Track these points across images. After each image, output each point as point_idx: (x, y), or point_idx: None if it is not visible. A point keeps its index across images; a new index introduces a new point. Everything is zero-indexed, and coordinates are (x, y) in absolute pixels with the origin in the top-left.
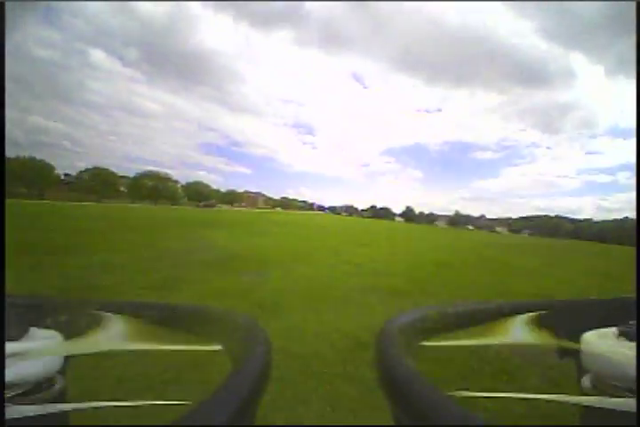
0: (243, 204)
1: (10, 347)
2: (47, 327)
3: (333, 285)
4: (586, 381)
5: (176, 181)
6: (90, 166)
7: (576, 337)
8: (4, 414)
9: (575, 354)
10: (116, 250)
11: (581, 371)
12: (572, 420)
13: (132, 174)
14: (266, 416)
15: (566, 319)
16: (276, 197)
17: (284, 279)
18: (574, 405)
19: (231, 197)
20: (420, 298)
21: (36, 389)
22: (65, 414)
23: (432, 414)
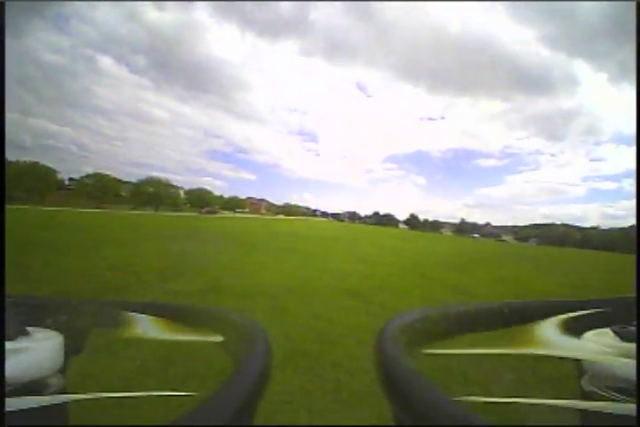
0: (246, 210)
1: (10, 346)
2: (47, 327)
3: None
4: (585, 381)
5: (178, 188)
6: (95, 171)
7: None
8: (4, 413)
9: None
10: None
11: (581, 371)
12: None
13: (136, 180)
14: None
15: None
16: (280, 203)
17: (271, 323)
18: (578, 410)
19: (234, 204)
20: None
21: (36, 387)
22: (63, 406)
23: (432, 414)
